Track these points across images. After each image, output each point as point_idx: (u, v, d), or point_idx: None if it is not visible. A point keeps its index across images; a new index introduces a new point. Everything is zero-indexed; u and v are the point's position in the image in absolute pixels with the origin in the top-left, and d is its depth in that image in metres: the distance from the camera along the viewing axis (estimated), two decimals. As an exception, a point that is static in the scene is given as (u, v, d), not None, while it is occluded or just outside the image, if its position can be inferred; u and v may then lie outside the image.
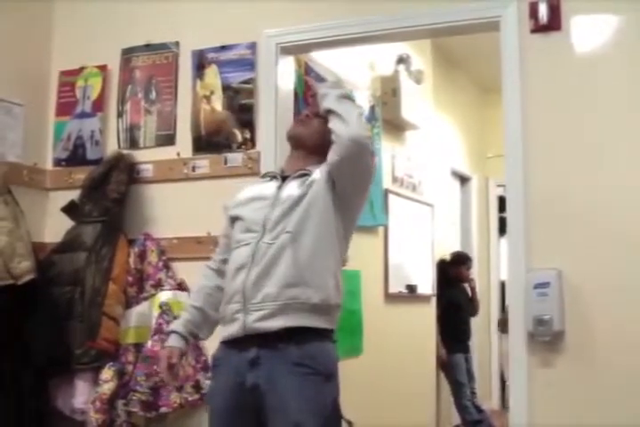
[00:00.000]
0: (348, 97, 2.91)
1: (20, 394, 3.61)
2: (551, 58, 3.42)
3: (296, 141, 3.00)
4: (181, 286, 3.86)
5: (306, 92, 4.63)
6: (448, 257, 7.06)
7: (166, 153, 4.03)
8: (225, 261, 2.98)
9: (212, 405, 2.88)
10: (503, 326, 6.71)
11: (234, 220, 2.95)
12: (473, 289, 7.06)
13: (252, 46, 3.94)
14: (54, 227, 4.09)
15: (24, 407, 3.62)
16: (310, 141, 2.95)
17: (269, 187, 2.93)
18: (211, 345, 3.70)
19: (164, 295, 3.78)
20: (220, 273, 3.00)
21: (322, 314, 2.77)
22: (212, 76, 4.02)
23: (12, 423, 3.56)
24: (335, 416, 2.80)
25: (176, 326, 2.97)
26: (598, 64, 3.35)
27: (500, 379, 8.52)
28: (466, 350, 6.83)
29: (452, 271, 6.90)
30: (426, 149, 6.67)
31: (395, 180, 6.00)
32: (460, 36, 4.21)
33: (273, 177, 2.97)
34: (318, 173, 2.84)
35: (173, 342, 2.94)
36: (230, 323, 2.79)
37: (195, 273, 3.84)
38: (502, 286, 8.41)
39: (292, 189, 2.86)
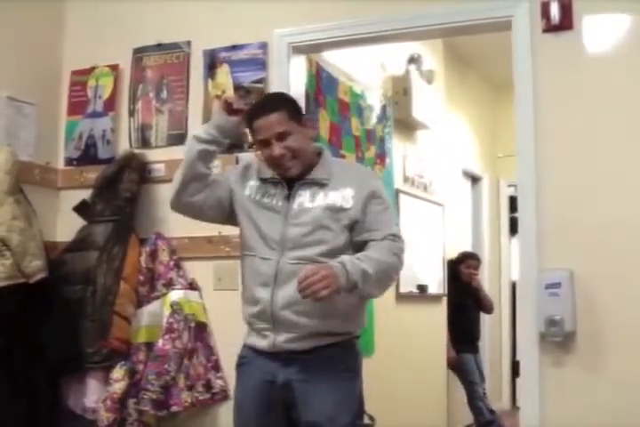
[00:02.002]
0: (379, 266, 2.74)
1: (33, 393, 3.62)
2: (563, 57, 3.41)
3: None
4: (192, 286, 3.86)
5: (317, 93, 4.63)
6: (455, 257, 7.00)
7: (178, 152, 3.99)
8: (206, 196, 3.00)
9: (238, 402, 2.93)
10: None
11: (244, 215, 2.94)
12: (476, 288, 6.86)
13: (264, 46, 3.94)
14: (66, 226, 4.10)
15: (36, 406, 3.63)
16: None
17: (277, 196, 2.88)
18: (221, 345, 3.73)
19: (175, 295, 3.79)
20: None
21: (348, 334, 2.86)
22: (224, 75, 4.03)
23: (25, 422, 3.57)
24: (360, 411, 2.87)
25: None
26: (610, 63, 3.34)
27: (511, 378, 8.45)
28: (474, 350, 6.80)
29: (456, 270, 6.84)
30: (437, 149, 6.67)
31: (406, 179, 6.00)
32: (472, 36, 4.21)
33: (277, 182, 2.91)
34: (340, 201, 2.81)
35: None
36: (259, 337, 2.85)
37: (206, 273, 3.87)
38: (513, 286, 8.39)
39: (304, 200, 2.83)
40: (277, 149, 2.80)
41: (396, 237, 2.82)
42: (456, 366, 6.61)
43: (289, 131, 2.81)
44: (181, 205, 3.03)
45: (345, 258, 2.66)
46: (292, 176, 2.86)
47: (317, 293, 2.55)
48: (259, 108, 2.92)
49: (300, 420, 2.76)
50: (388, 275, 2.77)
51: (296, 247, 2.78)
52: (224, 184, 3.01)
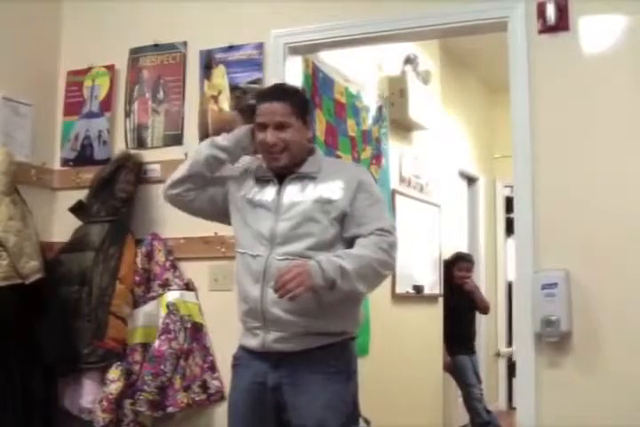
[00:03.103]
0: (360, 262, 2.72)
1: (29, 393, 3.61)
2: (559, 58, 3.41)
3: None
4: (188, 286, 3.86)
5: (313, 93, 4.63)
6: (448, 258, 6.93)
7: (174, 153, 4.02)
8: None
9: (231, 402, 2.93)
10: None
11: (236, 213, 2.96)
12: (468, 293, 6.68)
13: (260, 46, 3.94)
14: (62, 226, 4.10)
15: (32, 407, 3.62)
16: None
17: (269, 192, 2.90)
18: (217, 346, 3.72)
19: (172, 295, 3.79)
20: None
21: (341, 335, 2.84)
22: (220, 76, 4.02)
23: (21, 422, 3.56)
24: (354, 414, 2.85)
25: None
26: (606, 64, 3.35)
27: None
28: (470, 352, 6.77)
29: (449, 272, 6.79)
30: (433, 150, 6.67)
31: (402, 180, 6.00)
32: (468, 37, 4.21)
33: (269, 180, 2.93)
34: (328, 193, 2.82)
35: None
36: (251, 335, 2.85)
37: (202, 273, 3.87)
38: (509, 286, 8.40)
39: (294, 194, 2.85)
40: (271, 136, 2.85)
41: (384, 231, 2.79)
42: (452, 369, 6.61)
43: (288, 123, 2.85)
44: (170, 194, 3.09)
45: (322, 256, 2.67)
46: (277, 167, 2.89)
47: (291, 291, 2.57)
48: (269, 91, 3.00)
49: (290, 423, 2.75)
50: (373, 270, 2.73)
51: (285, 242, 2.78)
52: (220, 182, 3.05)
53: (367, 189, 2.86)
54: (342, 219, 2.80)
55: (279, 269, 2.66)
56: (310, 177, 2.86)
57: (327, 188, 2.82)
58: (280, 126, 2.84)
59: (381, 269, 2.78)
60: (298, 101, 2.92)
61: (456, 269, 6.71)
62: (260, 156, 3.02)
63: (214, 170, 3.04)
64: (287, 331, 2.74)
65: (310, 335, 2.75)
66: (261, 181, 2.95)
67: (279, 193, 2.86)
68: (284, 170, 2.89)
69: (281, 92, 2.97)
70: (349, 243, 2.80)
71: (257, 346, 2.80)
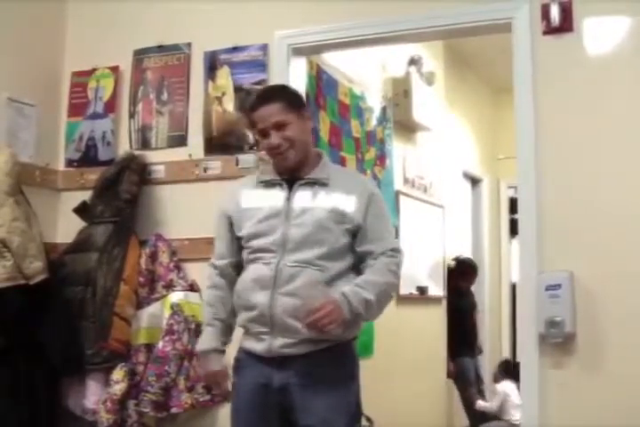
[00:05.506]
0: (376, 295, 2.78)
1: (33, 394, 3.62)
2: (563, 59, 3.42)
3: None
4: (193, 287, 3.86)
5: (317, 94, 4.63)
6: (453, 264, 6.93)
7: (178, 154, 4.03)
8: (232, 264, 2.99)
9: (234, 405, 2.92)
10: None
11: (243, 225, 2.92)
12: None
13: (264, 47, 3.94)
14: (66, 227, 4.10)
15: (37, 407, 3.63)
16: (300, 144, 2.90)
17: (277, 197, 2.87)
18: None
19: (176, 296, 3.79)
20: (230, 279, 2.98)
21: (345, 338, 2.84)
22: (224, 77, 4.03)
23: (25, 423, 3.57)
24: (358, 413, 2.87)
25: (212, 343, 2.95)
26: (610, 65, 3.35)
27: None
28: (473, 353, 6.78)
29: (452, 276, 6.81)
30: (437, 151, 6.66)
31: (406, 181, 6.00)
32: (472, 38, 4.21)
33: (277, 184, 2.91)
34: (343, 205, 2.82)
35: (220, 360, 2.95)
36: (255, 340, 2.83)
37: (206, 274, 3.86)
38: (513, 287, 8.38)
39: (305, 200, 2.83)
40: (275, 138, 2.83)
41: (394, 252, 2.87)
42: (455, 376, 6.62)
43: (286, 121, 2.83)
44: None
45: (346, 289, 2.71)
46: (289, 167, 2.87)
47: (324, 327, 2.64)
48: (257, 98, 2.96)
49: (296, 423, 2.75)
50: (387, 295, 2.85)
51: (296, 249, 2.77)
52: (226, 228, 3.02)
53: (378, 204, 2.90)
54: (355, 231, 2.83)
55: (308, 308, 2.68)
56: (321, 183, 2.85)
57: (341, 199, 2.82)
58: (279, 126, 2.83)
59: (392, 291, 2.91)
60: (287, 97, 2.92)
61: (465, 279, 6.77)
62: (261, 163, 3.01)
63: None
64: (295, 337, 2.74)
65: (315, 340, 2.75)
66: (268, 184, 2.92)
67: (289, 198, 2.85)
68: (292, 173, 2.89)
69: (268, 94, 2.97)
70: (359, 255, 2.85)
71: (263, 351, 2.79)
